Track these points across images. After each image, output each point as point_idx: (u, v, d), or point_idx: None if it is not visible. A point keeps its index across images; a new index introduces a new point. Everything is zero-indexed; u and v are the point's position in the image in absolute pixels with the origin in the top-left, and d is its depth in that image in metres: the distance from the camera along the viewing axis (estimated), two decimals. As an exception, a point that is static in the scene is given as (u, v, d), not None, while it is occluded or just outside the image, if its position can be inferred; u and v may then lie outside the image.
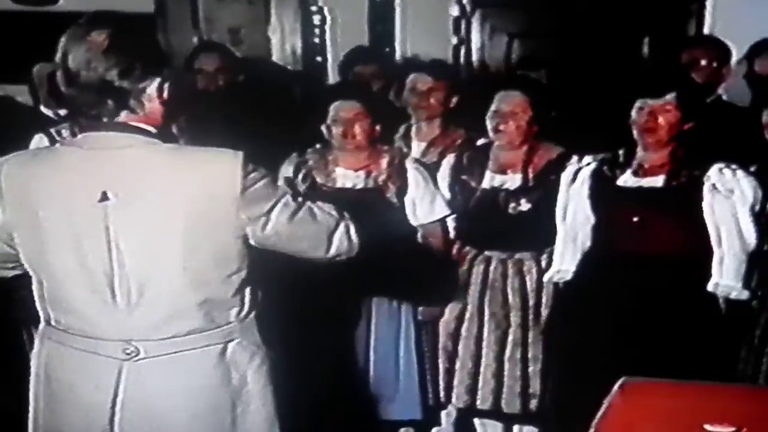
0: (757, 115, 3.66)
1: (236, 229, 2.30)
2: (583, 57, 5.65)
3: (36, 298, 2.44)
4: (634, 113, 3.67)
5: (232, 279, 2.36)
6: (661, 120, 3.62)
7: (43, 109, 4.93)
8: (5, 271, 2.53)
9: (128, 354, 2.34)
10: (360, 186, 3.89)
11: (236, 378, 2.39)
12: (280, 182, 3.25)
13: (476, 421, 4.25)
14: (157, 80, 2.31)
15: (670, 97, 3.62)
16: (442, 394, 4.09)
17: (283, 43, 6.00)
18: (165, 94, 2.32)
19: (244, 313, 2.40)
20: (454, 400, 4.08)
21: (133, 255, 2.29)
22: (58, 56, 2.28)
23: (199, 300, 2.33)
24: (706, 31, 5.75)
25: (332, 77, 5.96)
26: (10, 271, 2.52)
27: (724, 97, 4.64)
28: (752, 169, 3.66)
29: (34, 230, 2.34)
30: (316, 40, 6.10)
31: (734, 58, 4.69)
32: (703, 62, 4.63)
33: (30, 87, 5.03)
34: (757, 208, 3.60)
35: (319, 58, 6.11)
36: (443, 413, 4.26)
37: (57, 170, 2.33)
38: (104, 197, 2.27)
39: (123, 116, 2.29)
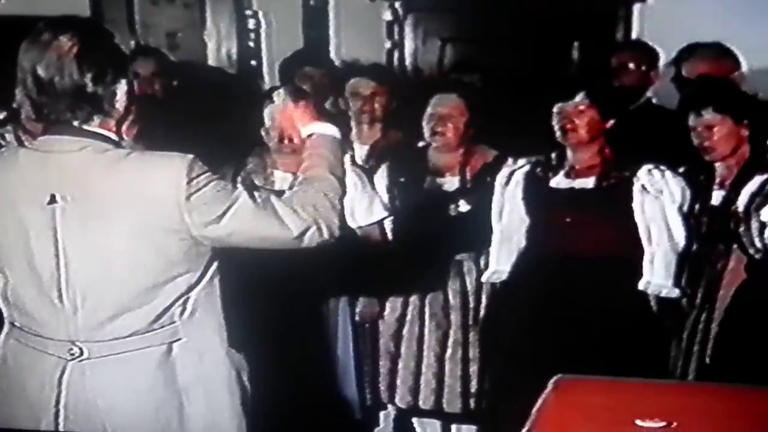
0: (685, 117, 3.73)
1: (181, 233, 2.29)
2: (515, 61, 5.72)
3: None
4: (553, 119, 3.74)
5: (177, 282, 2.35)
6: (577, 121, 3.69)
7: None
8: None
9: (72, 355, 2.35)
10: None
11: (183, 378, 2.38)
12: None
13: (415, 420, 4.30)
14: (124, 82, 2.32)
15: (579, 98, 3.69)
16: (385, 394, 4.13)
17: (218, 47, 6.00)
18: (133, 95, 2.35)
19: (188, 313, 2.38)
20: (397, 400, 4.13)
21: (78, 257, 2.30)
22: (25, 64, 2.27)
23: (141, 302, 2.33)
24: (634, 35, 5.85)
25: (268, 81, 5.96)
26: None
27: (654, 100, 4.73)
28: (680, 170, 3.74)
29: None
30: (251, 44, 6.09)
31: (662, 62, 4.78)
32: (632, 66, 4.73)
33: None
34: (686, 208, 3.69)
35: (254, 62, 6.10)
36: (382, 414, 4.29)
37: (12, 170, 2.34)
38: (53, 200, 2.28)
39: (97, 120, 2.30)
